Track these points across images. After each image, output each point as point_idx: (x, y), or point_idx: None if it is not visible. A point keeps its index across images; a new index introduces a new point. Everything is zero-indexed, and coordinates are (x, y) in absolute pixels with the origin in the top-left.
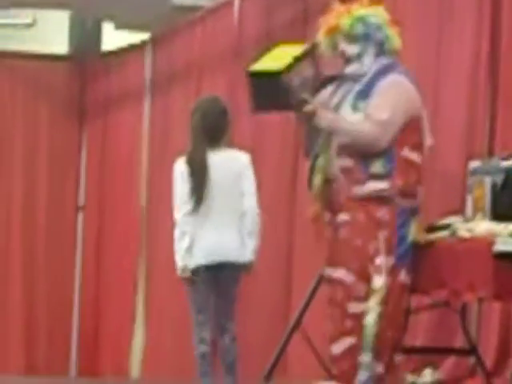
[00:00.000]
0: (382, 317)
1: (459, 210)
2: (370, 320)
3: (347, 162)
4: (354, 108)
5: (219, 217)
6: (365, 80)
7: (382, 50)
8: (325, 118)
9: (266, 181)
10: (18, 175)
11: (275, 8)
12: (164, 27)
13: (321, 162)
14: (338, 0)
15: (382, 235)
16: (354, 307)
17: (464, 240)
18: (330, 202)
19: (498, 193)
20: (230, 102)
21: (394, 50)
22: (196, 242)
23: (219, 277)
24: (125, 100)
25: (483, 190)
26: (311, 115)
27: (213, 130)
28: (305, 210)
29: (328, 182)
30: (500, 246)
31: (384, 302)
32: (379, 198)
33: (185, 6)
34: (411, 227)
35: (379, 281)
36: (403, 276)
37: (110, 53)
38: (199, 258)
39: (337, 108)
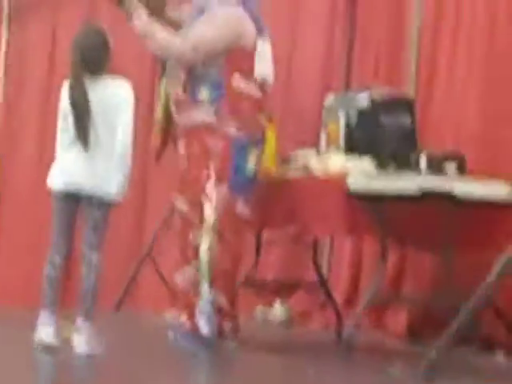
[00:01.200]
0: (215, 245)
1: (314, 144)
2: (203, 247)
3: (178, 90)
4: None
5: (91, 149)
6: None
7: None
8: (141, 19)
9: None
10: None
11: None
12: None
13: (164, 88)
14: None
15: (213, 164)
16: (192, 236)
17: (317, 177)
18: (173, 133)
19: (351, 127)
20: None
21: None
22: (61, 170)
23: (82, 207)
24: None
25: (338, 124)
26: (130, 12)
27: (93, 63)
28: None
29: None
30: (352, 185)
31: (216, 230)
32: (210, 128)
33: None
34: (249, 158)
35: (209, 209)
36: (240, 207)
37: None
38: (59, 184)
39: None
